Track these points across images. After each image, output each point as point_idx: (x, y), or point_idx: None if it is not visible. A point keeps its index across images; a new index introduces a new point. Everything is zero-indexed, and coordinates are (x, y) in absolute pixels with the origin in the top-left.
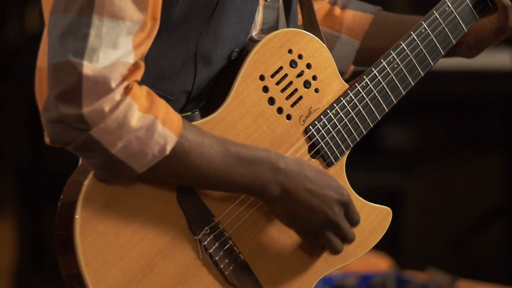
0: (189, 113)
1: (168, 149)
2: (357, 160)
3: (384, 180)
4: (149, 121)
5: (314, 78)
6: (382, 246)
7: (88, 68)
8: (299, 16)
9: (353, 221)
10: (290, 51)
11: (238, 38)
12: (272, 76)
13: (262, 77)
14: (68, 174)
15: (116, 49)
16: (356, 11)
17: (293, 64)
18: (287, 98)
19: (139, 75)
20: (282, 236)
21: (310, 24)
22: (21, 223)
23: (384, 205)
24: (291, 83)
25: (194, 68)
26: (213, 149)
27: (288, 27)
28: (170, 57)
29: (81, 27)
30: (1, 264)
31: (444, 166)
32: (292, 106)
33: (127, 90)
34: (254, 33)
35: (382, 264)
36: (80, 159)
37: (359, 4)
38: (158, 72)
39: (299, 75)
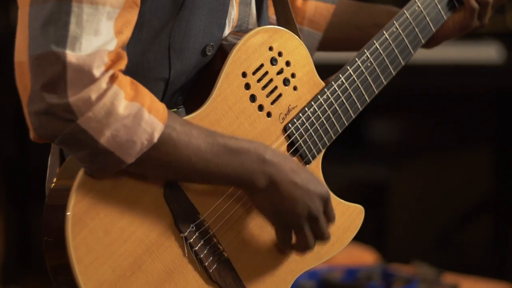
0: (175, 109)
1: (156, 136)
2: (343, 154)
3: (370, 174)
4: (136, 109)
5: (293, 75)
6: (367, 240)
7: (72, 56)
8: (270, 13)
9: (330, 218)
10: (270, 49)
11: (211, 33)
12: (254, 73)
13: (244, 74)
14: None
15: (98, 35)
16: (317, 1)
17: (273, 61)
18: (267, 96)
19: (123, 64)
20: (263, 234)
21: (286, 22)
22: (7, 219)
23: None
24: (271, 80)
25: (168, 63)
26: (201, 139)
27: (259, 23)
28: (143, 53)
29: (61, 16)
30: None
31: (430, 160)
32: (272, 103)
33: (113, 79)
34: (228, 29)
35: (367, 257)
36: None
37: None
38: (131, 68)
39: (279, 72)
